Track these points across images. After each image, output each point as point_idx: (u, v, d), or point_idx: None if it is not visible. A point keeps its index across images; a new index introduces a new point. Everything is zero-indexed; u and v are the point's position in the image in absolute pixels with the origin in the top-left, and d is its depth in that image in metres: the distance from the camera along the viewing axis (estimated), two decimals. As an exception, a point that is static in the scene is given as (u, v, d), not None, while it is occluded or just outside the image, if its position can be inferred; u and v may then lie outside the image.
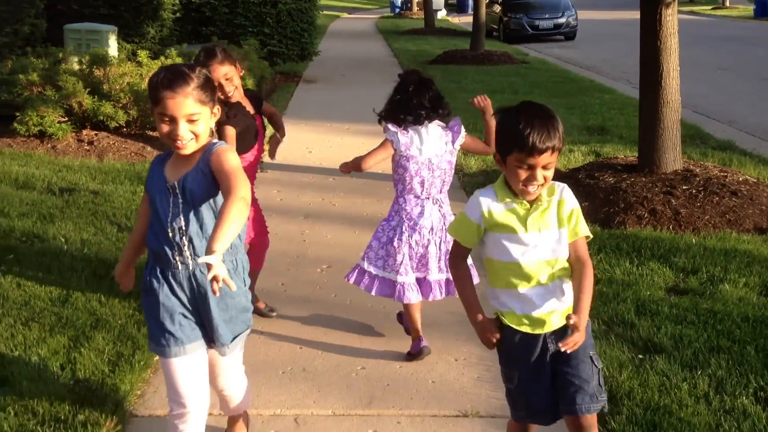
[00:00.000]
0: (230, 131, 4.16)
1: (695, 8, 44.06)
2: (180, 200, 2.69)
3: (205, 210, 2.69)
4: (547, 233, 2.72)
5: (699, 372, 3.94)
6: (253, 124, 4.35)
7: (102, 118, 8.78)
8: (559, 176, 4.37)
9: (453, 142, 4.07)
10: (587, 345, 2.75)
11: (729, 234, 6.03)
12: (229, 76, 4.20)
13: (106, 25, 11.27)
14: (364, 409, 3.71)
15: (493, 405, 3.72)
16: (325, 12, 28.12)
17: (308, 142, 9.47)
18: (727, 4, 44.30)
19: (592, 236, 2.80)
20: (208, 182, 2.68)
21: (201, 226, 2.71)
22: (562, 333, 2.69)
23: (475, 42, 18.79)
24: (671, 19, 6.66)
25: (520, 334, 2.75)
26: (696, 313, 4.60)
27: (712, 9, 42.76)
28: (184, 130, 2.64)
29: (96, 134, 8.96)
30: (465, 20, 32.89)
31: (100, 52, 9.56)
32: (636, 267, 5.38)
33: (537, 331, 2.74)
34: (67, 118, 8.87)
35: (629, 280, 5.15)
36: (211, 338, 2.85)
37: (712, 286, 5.03)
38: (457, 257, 2.88)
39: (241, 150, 4.15)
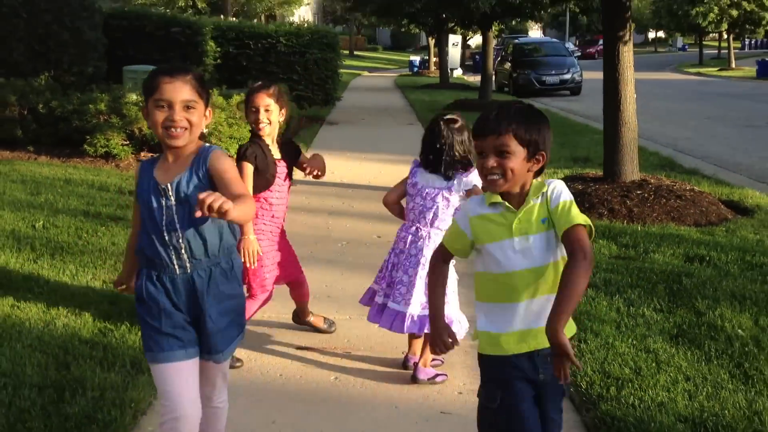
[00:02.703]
0: (247, 168, 4.08)
1: (702, 69, 45.89)
2: (173, 203, 2.66)
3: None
4: (534, 238, 2.53)
5: (617, 297, 5.39)
6: (268, 163, 4.19)
7: (158, 141, 10.42)
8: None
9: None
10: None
11: (670, 225, 7.49)
12: (270, 108, 4.16)
13: (158, 68, 12.99)
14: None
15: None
16: (346, 71, 30.03)
17: (331, 166, 10.90)
18: (733, 65, 46.07)
19: (591, 224, 2.52)
20: (204, 185, 2.64)
21: (197, 229, 2.67)
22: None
23: (483, 91, 20.49)
24: (628, 54, 8.24)
25: (504, 357, 2.56)
26: (627, 269, 6.04)
27: (719, 70, 44.50)
28: (180, 115, 2.61)
29: (153, 155, 10.59)
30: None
31: (156, 88, 11.25)
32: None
33: (524, 350, 2.54)
34: (128, 142, 10.51)
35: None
36: (206, 346, 2.79)
37: (645, 255, 6.48)
38: (437, 259, 2.79)
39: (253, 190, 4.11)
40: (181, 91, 2.62)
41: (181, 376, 2.72)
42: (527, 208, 2.54)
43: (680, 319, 4.99)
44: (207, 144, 2.77)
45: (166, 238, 2.66)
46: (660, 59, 61.11)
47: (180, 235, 2.65)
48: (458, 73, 38.34)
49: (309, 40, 16.48)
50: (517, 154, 2.50)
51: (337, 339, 4.78)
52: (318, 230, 7.46)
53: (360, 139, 14.18)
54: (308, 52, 16.36)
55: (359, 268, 6.07)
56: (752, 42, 68.66)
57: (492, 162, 2.50)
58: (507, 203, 2.56)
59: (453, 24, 25.70)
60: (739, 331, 4.76)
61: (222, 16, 26.77)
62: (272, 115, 4.18)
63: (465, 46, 47.13)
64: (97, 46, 13.09)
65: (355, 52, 60.61)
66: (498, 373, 2.58)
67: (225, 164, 2.68)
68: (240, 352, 4.34)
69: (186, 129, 2.64)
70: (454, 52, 37.81)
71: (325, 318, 4.89)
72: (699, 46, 54.10)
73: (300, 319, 4.86)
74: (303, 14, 47.30)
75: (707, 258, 6.35)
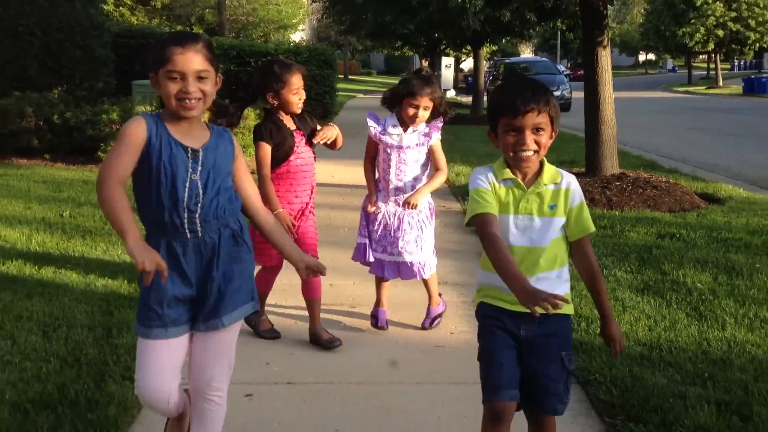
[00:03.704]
0: (264, 148, 4.24)
1: (691, 88, 46.88)
2: (199, 167, 2.61)
3: (222, 177, 2.67)
4: (538, 220, 2.61)
5: (593, 262, 6.01)
6: (285, 135, 4.31)
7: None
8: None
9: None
10: (561, 343, 2.66)
11: (646, 211, 8.14)
12: (303, 85, 4.31)
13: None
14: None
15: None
16: (342, 93, 30.77)
17: (331, 170, 11.71)
18: (720, 84, 47.09)
19: (595, 231, 2.67)
20: (230, 153, 2.71)
21: (217, 192, 2.64)
22: (541, 323, 2.51)
23: (475, 108, 21.25)
24: (606, 58, 8.93)
25: (495, 307, 2.66)
26: (603, 244, 6.67)
27: (706, 89, 45.51)
28: (194, 86, 2.56)
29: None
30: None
31: (164, 99, 11.96)
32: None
33: (513, 308, 2.59)
34: (140, 148, 11.14)
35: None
36: (208, 311, 2.68)
37: (620, 233, 7.11)
38: (492, 229, 2.55)
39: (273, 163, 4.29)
40: (193, 61, 2.55)
41: (166, 353, 2.67)
42: (539, 191, 2.61)
43: (647, 277, 5.62)
44: (214, 125, 2.80)
45: (185, 202, 2.58)
46: (650, 80, 62.25)
47: (200, 199, 2.59)
48: (451, 94, 39.11)
49: (307, 58, 17.25)
50: (547, 131, 2.58)
51: (344, 298, 5.39)
52: (322, 220, 8.05)
53: (357, 149, 14.75)
54: (308, 69, 17.04)
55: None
56: (741, 63, 69.85)
57: (530, 138, 2.55)
58: (518, 180, 2.62)
59: (445, 45, 26.49)
60: (699, 284, 5.40)
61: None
62: (303, 92, 4.32)
63: (458, 69, 48.03)
64: (106, 63, 13.78)
65: (350, 76, 61.50)
66: (486, 319, 2.69)
67: (239, 151, 2.77)
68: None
69: (200, 99, 2.59)
70: (447, 74, 38.57)
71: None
72: (688, 67, 55.23)
73: (313, 331, 4.54)
74: (297, 40, 48.18)
75: (677, 235, 6.99)
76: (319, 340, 4.45)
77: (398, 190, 4.61)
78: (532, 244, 2.60)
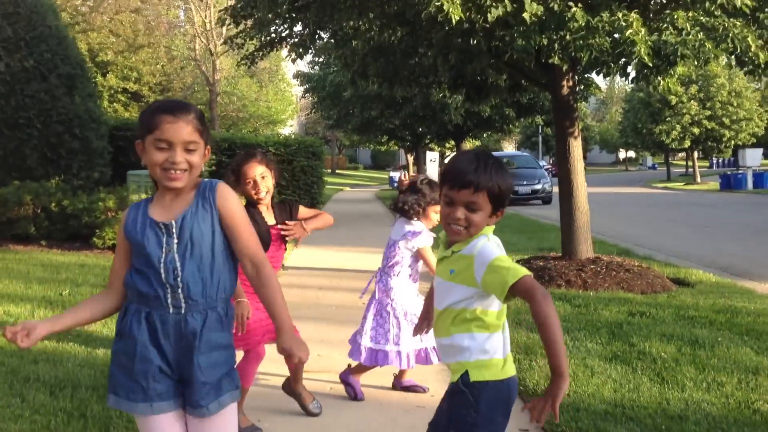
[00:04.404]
0: None
1: (669, 185, 48.05)
2: (175, 240, 2.51)
3: (205, 249, 2.54)
4: (439, 282, 2.65)
5: (565, 335, 6.39)
6: (263, 232, 4.08)
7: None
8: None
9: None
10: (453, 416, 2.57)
11: (619, 293, 8.56)
12: (264, 176, 4.20)
13: (159, 173, 14.26)
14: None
15: None
16: (329, 187, 31.56)
17: (318, 255, 12.17)
18: (698, 180, 48.33)
19: (528, 273, 2.43)
20: (213, 220, 2.55)
21: (198, 267, 2.52)
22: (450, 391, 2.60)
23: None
24: (577, 148, 9.51)
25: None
26: (577, 320, 7.06)
27: (684, 185, 46.68)
28: (181, 156, 2.49)
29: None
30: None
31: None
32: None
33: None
34: (134, 235, 11.54)
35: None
36: (190, 397, 2.54)
37: (594, 311, 7.51)
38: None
39: None
40: (183, 131, 2.48)
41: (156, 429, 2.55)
42: (453, 256, 2.60)
43: (616, 348, 6.00)
44: (205, 179, 2.64)
45: (163, 276, 2.49)
46: (630, 177, 63.70)
47: (179, 273, 2.49)
48: (436, 187, 40.04)
49: (296, 149, 17.91)
50: (485, 210, 2.54)
51: (331, 365, 5.72)
52: (310, 299, 8.45)
53: (344, 237, 15.32)
54: (295, 160, 17.75)
55: (347, 323, 7.04)
56: (719, 161, 71.67)
57: (460, 213, 2.53)
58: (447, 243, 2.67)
59: (429, 140, 27.36)
60: (663, 354, 5.77)
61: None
62: (268, 181, 4.21)
63: (442, 163, 49.21)
64: (103, 154, 14.32)
65: (337, 171, 62.69)
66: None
67: (234, 206, 2.60)
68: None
69: (186, 171, 2.51)
70: (432, 168, 39.60)
71: (314, 398, 4.71)
72: (666, 164, 56.70)
73: (290, 387, 4.69)
74: (287, 134, 49.48)
75: (647, 313, 7.39)
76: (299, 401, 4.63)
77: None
78: (437, 306, 2.68)
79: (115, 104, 32.01)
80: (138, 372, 2.48)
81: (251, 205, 4.23)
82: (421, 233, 4.84)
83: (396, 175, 46.84)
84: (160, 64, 33.79)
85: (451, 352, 2.59)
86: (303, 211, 4.53)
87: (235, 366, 2.67)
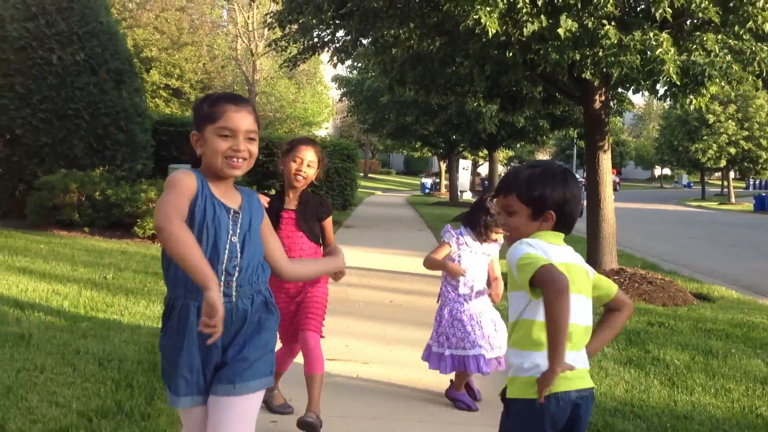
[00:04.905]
0: None
1: (703, 203, 47.78)
2: (238, 229, 2.58)
3: (257, 239, 2.65)
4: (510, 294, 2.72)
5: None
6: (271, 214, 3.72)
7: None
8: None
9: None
10: None
11: (641, 304, 8.78)
12: (311, 165, 4.18)
13: (199, 168, 14.78)
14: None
15: None
16: (361, 190, 31.95)
17: (348, 256, 12.51)
18: (732, 200, 48.00)
19: (546, 263, 2.46)
20: (260, 216, 2.69)
21: (253, 254, 2.61)
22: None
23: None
24: (606, 161, 9.76)
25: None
26: (595, 324, 7.30)
27: (718, 204, 46.41)
28: (244, 145, 2.54)
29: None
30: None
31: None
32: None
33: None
34: (173, 225, 12.00)
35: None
36: (225, 375, 2.57)
37: (613, 319, 7.74)
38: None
39: None
40: (246, 120, 2.56)
41: (198, 420, 2.63)
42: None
43: (632, 354, 6.25)
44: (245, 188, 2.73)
45: (224, 264, 2.53)
46: (665, 194, 63.35)
47: (238, 262, 2.56)
48: (467, 195, 40.29)
49: (331, 151, 18.28)
50: (521, 213, 2.62)
51: (357, 355, 6.04)
52: (339, 295, 8.77)
53: (374, 239, 15.68)
54: (330, 162, 18.12)
55: (372, 318, 7.39)
56: (756, 182, 70.98)
57: (502, 219, 2.71)
58: None
59: (462, 147, 27.64)
60: (676, 361, 6.02)
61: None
62: (311, 170, 4.19)
63: (474, 172, 49.44)
64: (146, 147, 14.83)
65: (370, 175, 63.11)
66: None
67: (266, 216, 2.76)
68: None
69: (246, 159, 2.56)
70: (464, 176, 39.91)
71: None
72: (702, 183, 56.35)
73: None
74: (322, 136, 49.95)
75: (666, 324, 7.63)
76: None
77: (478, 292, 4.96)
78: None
79: (156, 99, 32.72)
80: (183, 365, 2.55)
81: (277, 194, 4.27)
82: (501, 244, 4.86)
83: (428, 181, 47.17)
84: (202, 62, 34.47)
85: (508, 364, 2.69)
86: (328, 222, 4.37)
87: (274, 350, 2.73)
